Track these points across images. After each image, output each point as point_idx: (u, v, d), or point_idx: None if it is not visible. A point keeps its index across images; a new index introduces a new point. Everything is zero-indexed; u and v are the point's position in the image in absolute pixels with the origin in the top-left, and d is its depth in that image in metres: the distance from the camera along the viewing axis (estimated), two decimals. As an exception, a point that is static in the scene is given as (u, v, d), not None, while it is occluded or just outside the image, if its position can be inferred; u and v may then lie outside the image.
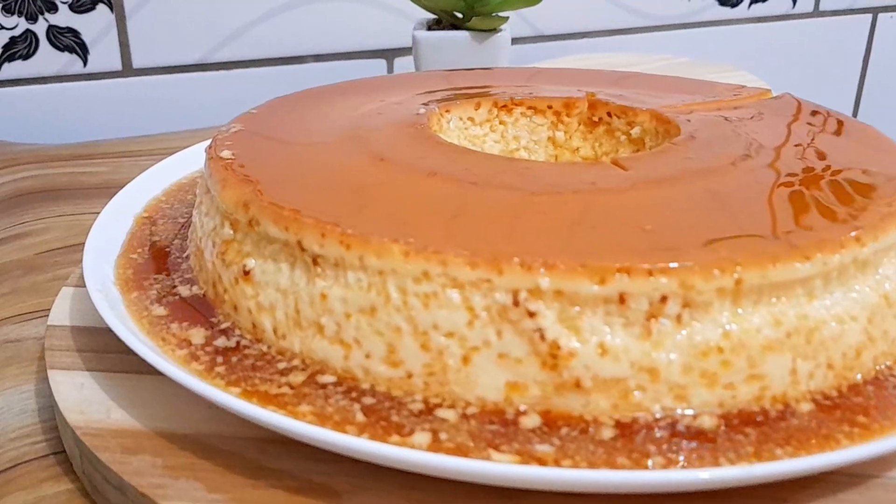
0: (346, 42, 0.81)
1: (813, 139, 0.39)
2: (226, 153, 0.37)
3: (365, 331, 0.30)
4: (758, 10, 0.97)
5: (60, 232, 0.51)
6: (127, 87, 0.77)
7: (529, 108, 0.45)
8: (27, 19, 0.73)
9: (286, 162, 0.36)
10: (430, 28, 0.67)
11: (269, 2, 0.78)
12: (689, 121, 0.41)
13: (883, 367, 0.31)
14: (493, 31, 0.64)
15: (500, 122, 0.45)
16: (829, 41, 1.02)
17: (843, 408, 0.30)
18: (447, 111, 0.43)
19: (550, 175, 0.35)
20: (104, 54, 0.76)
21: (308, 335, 0.31)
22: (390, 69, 0.84)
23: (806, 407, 0.29)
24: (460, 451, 0.27)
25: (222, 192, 0.34)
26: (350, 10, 0.80)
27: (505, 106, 0.45)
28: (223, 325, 0.34)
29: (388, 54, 0.83)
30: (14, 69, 0.74)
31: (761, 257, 0.29)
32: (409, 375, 0.30)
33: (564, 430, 0.28)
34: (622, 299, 0.28)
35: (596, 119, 0.44)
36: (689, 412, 0.29)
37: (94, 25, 0.74)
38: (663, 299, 0.28)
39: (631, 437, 0.28)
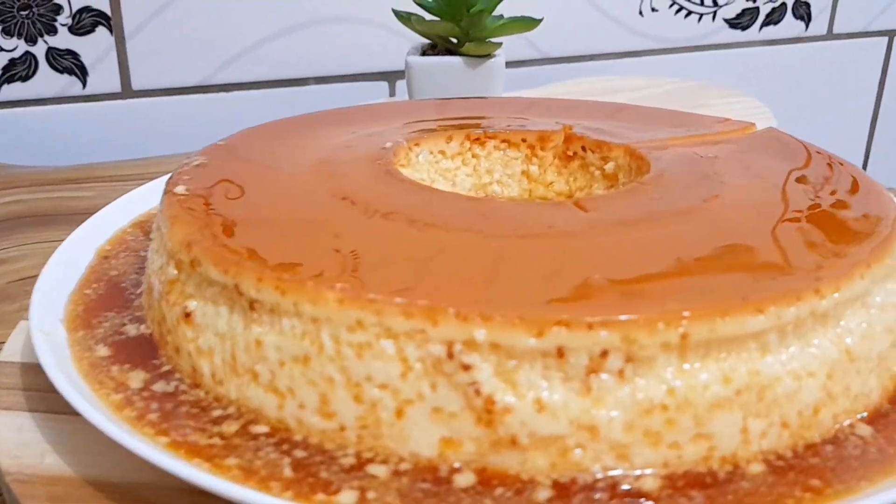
0: (347, 65, 0.81)
1: (787, 179, 0.38)
2: (180, 188, 0.36)
3: (298, 380, 0.29)
4: (769, 32, 0.96)
5: (37, 259, 0.50)
6: (126, 109, 0.77)
7: (503, 141, 0.44)
8: (26, 41, 0.72)
9: (241, 200, 0.36)
10: (424, 53, 0.66)
11: (270, 24, 0.78)
12: (660, 158, 0.40)
13: (844, 425, 0.30)
14: (488, 56, 0.63)
15: (473, 156, 0.44)
16: (843, 65, 1.00)
17: (797, 470, 0.28)
18: (416, 144, 0.42)
19: (510, 217, 0.34)
20: (103, 76, 0.75)
21: (244, 382, 0.30)
22: (392, 92, 0.83)
23: (757, 468, 0.28)
24: (385, 511, 0.26)
25: (170, 230, 0.34)
26: (352, 32, 0.80)
27: (478, 139, 0.44)
28: (164, 368, 0.33)
29: (391, 77, 0.82)
30: (13, 91, 0.74)
31: (710, 310, 0.27)
32: (343, 428, 0.29)
33: (499, 491, 0.27)
34: (560, 353, 0.27)
35: (571, 153, 0.43)
36: (632, 472, 0.28)
37: (94, 47, 0.74)
38: (604, 354, 0.27)
39: (568, 499, 0.27)
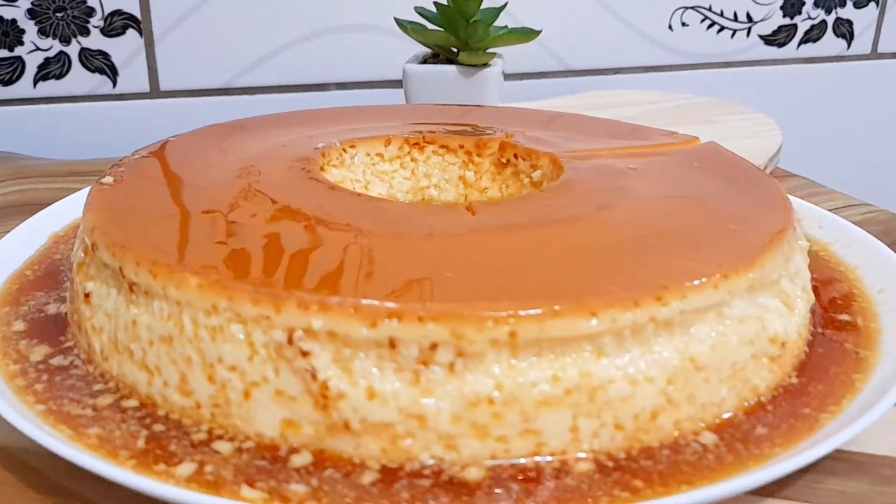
0: (368, 71, 0.83)
1: (694, 191, 0.38)
2: (108, 179, 0.39)
3: (164, 359, 0.31)
4: (808, 50, 0.94)
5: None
6: (154, 109, 0.81)
7: (442, 146, 0.45)
8: (61, 41, 0.77)
9: (155, 193, 0.38)
10: (424, 61, 0.68)
11: (294, 30, 0.80)
12: (577, 168, 0.40)
13: (688, 431, 0.30)
14: (483, 66, 0.65)
15: (412, 160, 0.46)
16: (888, 85, 0.98)
17: (624, 470, 0.29)
18: (352, 146, 0.44)
19: (396, 218, 0.35)
20: (133, 76, 0.79)
21: (122, 359, 0.32)
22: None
23: (584, 467, 0.29)
24: (215, 484, 0.28)
25: (84, 216, 0.36)
26: (373, 40, 0.82)
27: (417, 143, 0.45)
28: (67, 345, 0.35)
29: (410, 84, 0.84)
30: (47, 88, 0.78)
31: (539, 310, 0.28)
32: (198, 406, 0.30)
33: (329, 472, 0.29)
34: (392, 344, 0.28)
35: (504, 161, 0.44)
36: (459, 463, 0.29)
37: (124, 49, 0.78)
38: (433, 347, 0.28)
39: (391, 484, 0.28)
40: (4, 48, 0.76)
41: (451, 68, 0.65)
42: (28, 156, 0.74)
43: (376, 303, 0.28)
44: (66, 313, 0.37)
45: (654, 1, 0.89)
